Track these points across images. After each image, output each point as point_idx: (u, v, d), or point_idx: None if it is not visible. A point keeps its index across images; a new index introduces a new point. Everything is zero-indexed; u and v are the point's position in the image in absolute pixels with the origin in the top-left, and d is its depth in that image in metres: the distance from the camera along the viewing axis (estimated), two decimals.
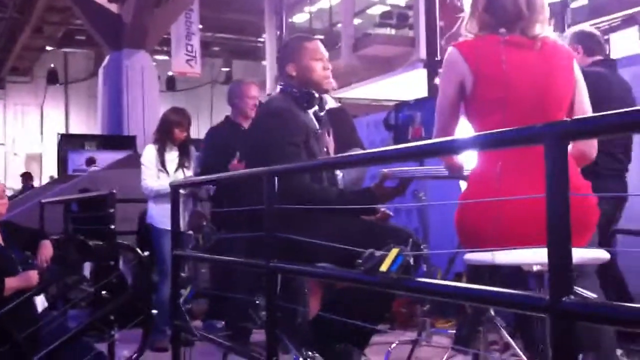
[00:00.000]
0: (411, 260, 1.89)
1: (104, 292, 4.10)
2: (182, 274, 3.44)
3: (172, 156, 5.07)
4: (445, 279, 4.43)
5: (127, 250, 4.83)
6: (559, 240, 1.42)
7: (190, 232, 4.78)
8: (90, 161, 12.49)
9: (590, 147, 2.22)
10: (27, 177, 16.03)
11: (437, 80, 7.98)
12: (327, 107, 3.12)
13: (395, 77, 13.24)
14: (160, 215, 4.93)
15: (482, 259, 2.05)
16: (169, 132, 5.05)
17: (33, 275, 3.72)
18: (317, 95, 2.98)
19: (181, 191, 4.95)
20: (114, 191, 4.30)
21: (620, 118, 1.35)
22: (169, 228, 4.92)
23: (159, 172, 4.99)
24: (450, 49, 2.25)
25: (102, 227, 4.27)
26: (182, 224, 4.99)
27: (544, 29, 2.19)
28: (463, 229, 2.15)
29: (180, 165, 5.06)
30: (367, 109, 12.56)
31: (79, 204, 5.73)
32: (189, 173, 5.07)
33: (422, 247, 3.24)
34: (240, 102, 4.75)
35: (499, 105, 2.11)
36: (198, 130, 26.13)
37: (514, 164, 2.00)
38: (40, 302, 3.88)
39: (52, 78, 23.49)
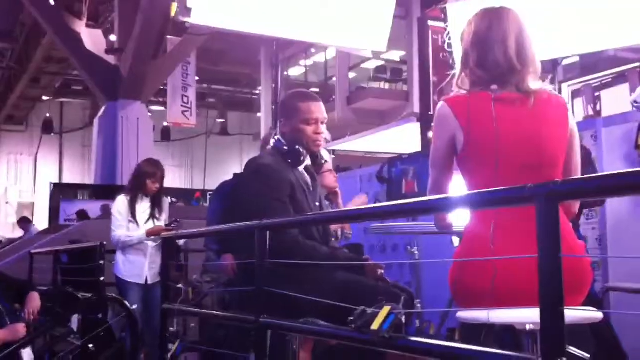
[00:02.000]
0: (403, 319, 1.87)
1: (91, 346, 4.03)
2: (171, 328, 3.38)
3: (143, 207, 5.07)
4: (438, 334, 4.39)
5: (116, 302, 4.77)
6: (550, 301, 1.41)
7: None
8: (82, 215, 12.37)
9: (574, 202, 2.21)
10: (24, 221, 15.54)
11: (430, 134, 8.04)
12: (322, 162, 3.13)
13: (389, 131, 13.33)
14: (127, 267, 4.93)
15: (475, 318, 2.03)
16: (141, 183, 5.06)
17: (20, 328, 3.68)
18: (305, 153, 2.98)
19: (151, 243, 4.96)
20: (104, 242, 4.27)
21: (612, 180, 1.35)
22: (135, 281, 4.95)
23: (129, 222, 4.98)
24: (440, 103, 2.25)
25: (91, 279, 4.22)
26: (150, 276, 4.97)
27: (536, 82, 2.19)
28: (456, 287, 2.12)
29: (151, 216, 5.05)
30: (360, 162, 12.61)
31: (69, 255, 5.69)
32: (160, 224, 5.05)
33: (415, 302, 3.21)
34: None
35: (490, 163, 2.10)
36: (192, 180, 26.12)
37: (508, 222, 1.99)
38: (27, 355, 3.82)
39: (47, 127, 23.58)
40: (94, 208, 12.80)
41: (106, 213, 11.95)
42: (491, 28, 2.24)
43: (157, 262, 4.97)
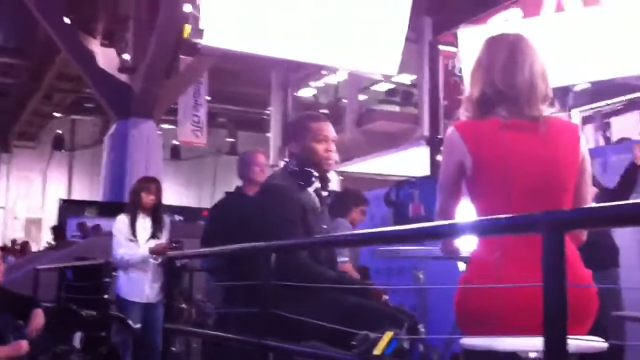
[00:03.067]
0: (405, 344, 1.85)
1: None
2: (173, 349, 3.36)
3: (144, 225, 5.08)
4: None
5: (119, 321, 4.75)
6: (554, 330, 1.39)
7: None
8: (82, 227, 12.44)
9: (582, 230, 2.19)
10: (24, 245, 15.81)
11: (439, 157, 8.06)
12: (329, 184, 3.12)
13: (398, 153, 13.32)
14: (128, 286, 4.92)
15: (479, 344, 2.00)
16: (137, 198, 5.08)
17: (23, 345, 3.68)
18: (316, 174, 2.98)
19: (152, 261, 4.95)
20: (110, 260, 4.26)
21: (620, 210, 1.34)
22: (136, 300, 4.94)
23: (129, 241, 4.98)
24: (450, 129, 2.24)
25: (96, 297, 4.21)
26: (151, 295, 4.95)
27: (545, 108, 2.16)
28: (462, 313, 2.10)
29: (153, 235, 5.05)
30: (369, 184, 12.59)
31: (74, 272, 5.68)
32: (161, 242, 5.04)
33: (419, 326, 3.18)
34: (247, 171, 4.70)
35: (499, 189, 2.09)
36: (200, 199, 26.10)
37: (515, 249, 1.97)
38: None
39: (57, 144, 23.69)
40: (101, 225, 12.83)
41: (83, 231, 12.09)
42: (482, 56, 2.25)
43: (158, 281, 4.95)
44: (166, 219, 5.25)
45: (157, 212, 5.13)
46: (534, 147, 2.11)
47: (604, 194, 3.78)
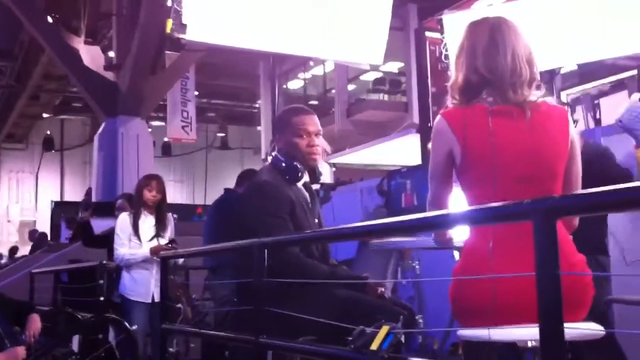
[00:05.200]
0: (402, 338, 1.84)
1: None
2: (171, 349, 3.35)
3: (147, 224, 5.06)
4: (441, 349, 4.35)
5: (116, 323, 4.73)
6: (550, 318, 1.39)
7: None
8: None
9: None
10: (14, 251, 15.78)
11: (429, 146, 8.02)
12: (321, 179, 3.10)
13: (389, 142, 13.30)
14: (132, 285, 4.90)
15: (476, 335, 2.00)
16: (139, 196, 5.08)
17: (20, 351, 3.65)
18: (303, 169, 2.96)
19: (156, 258, 4.91)
20: (104, 262, 4.24)
21: (613, 196, 1.33)
22: (141, 300, 4.91)
23: (130, 241, 4.96)
24: (438, 117, 2.22)
25: (92, 299, 4.20)
26: (157, 293, 4.90)
27: (531, 92, 2.14)
28: (457, 305, 2.10)
29: (157, 235, 5.03)
30: (361, 174, 12.58)
31: (69, 275, 5.66)
32: (165, 241, 5.02)
33: (417, 318, 3.18)
34: None
35: (487, 176, 2.07)
36: (193, 195, 26.02)
37: (507, 237, 1.96)
38: None
39: (47, 145, 23.59)
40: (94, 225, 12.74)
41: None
42: (464, 41, 2.24)
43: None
44: (170, 217, 5.24)
45: (160, 210, 5.12)
46: (520, 133, 2.09)
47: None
